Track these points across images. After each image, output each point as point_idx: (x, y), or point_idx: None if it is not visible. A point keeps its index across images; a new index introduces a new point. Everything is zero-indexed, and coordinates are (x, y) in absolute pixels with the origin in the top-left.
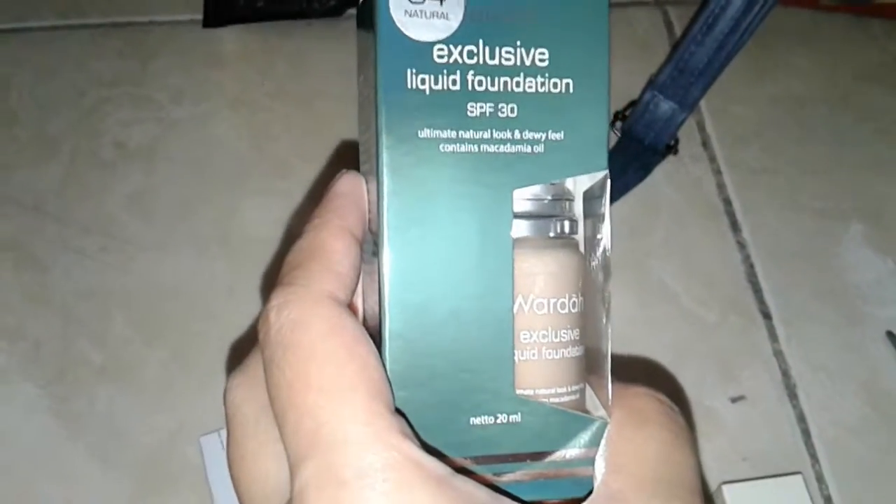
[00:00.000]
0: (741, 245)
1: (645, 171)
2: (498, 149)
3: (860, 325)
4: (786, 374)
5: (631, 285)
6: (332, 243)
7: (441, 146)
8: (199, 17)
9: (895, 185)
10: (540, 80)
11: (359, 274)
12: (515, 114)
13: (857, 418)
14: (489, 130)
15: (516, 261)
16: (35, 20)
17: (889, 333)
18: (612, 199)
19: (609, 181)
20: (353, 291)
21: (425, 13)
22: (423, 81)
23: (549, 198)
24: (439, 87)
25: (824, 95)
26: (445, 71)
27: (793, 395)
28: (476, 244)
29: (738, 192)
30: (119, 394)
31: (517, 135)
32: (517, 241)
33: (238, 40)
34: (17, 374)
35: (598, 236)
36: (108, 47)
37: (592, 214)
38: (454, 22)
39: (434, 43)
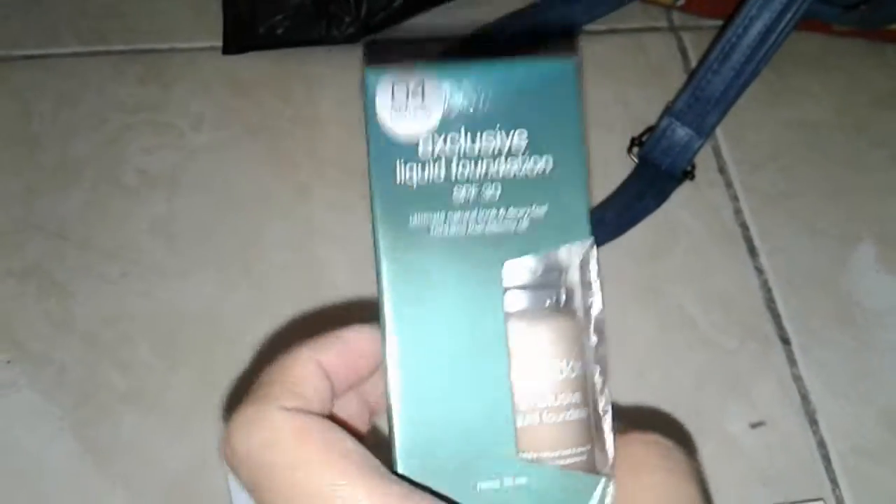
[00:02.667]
0: (759, 270)
1: (661, 196)
2: (485, 228)
3: (879, 349)
4: (805, 398)
5: (649, 311)
6: (296, 370)
7: (431, 230)
8: (219, 43)
9: None
10: (521, 160)
11: (327, 398)
12: (499, 194)
13: (877, 444)
14: (475, 211)
15: (513, 332)
16: (57, 47)
17: None
18: (630, 225)
19: (595, 248)
20: (325, 409)
21: (409, 109)
22: (410, 171)
23: (542, 270)
24: (426, 175)
25: (839, 121)
26: (431, 161)
27: (813, 421)
28: (470, 319)
29: (755, 217)
30: (143, 419)
31: (502, 213)
32: (515, 314)
33: (258, 67)
34: (42, 400)
35: (590, 301)
36: (129, 74)
37: (585, 281)
38: (437, 114)
39: (418, 136)
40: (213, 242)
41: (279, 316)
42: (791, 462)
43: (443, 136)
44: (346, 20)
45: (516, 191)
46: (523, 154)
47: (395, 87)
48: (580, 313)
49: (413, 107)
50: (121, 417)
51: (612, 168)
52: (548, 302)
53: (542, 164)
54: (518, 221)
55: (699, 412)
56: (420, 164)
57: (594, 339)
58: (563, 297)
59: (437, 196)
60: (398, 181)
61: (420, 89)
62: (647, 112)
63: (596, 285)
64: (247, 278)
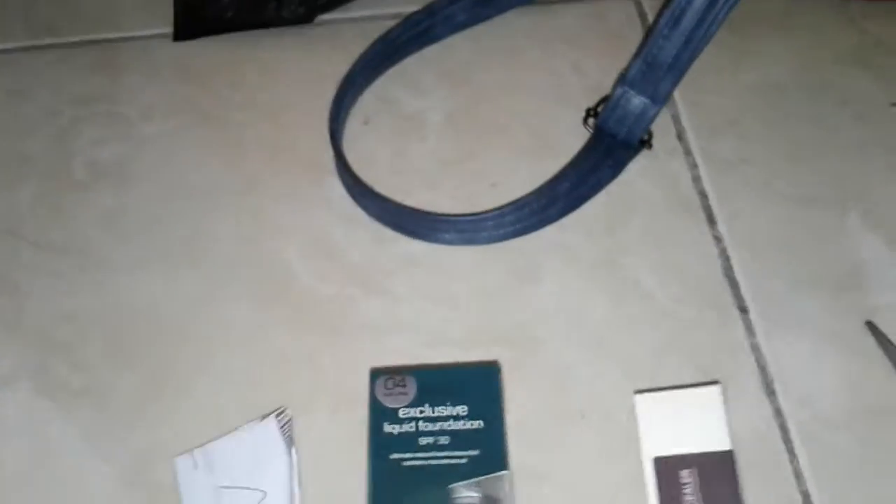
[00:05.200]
0: (717, 238)
1: (618, 167)
2: (439, 462)
3: (839, 315)
4: (763, 368)
5: (606, 284)
6: None
7: (403, 462)
8: (170, 30)
9: (876, 170)
10: (462, 422)
11: None
12: (448, 442)
13: (836, 411)
14: (433, 452)
15: None
16: (8, 42)
17: (868, 323)
18: (586, 198)
19: (508, 476)
20: None
21: (394, 391)
22: (393, 428)
23: (481, 492)
24: (403, 430)
25: (802, 81)
26: (406, 422)
27: (770, 391)
28: None
29: (714, 184)
30: (94, 416)
31: (449, 454)
32: None
33: (209, 53)
34: None
35: None
36: (79, 65)
37: (506, 500)
38: (411, 395)
39: (399, 408)
40: (162, 234)
41: (228, 308)
42: (747, 432)
43: (414, 408)
44: (295, 0)
45: (460, 441)
46: (465, 419)
47: (387, 381)
48: None
49: (397, 391)
50: (73, 414)
51: (568, 140)
52: None
53: (477, 424)
54: (460, 459)
55: (657, 384)
56: (399, 423)
57: None
58: None
59: (408, 442)
60: (385, 431)
61: (402, 381)
62: (607, 81)
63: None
64: (195, 271)
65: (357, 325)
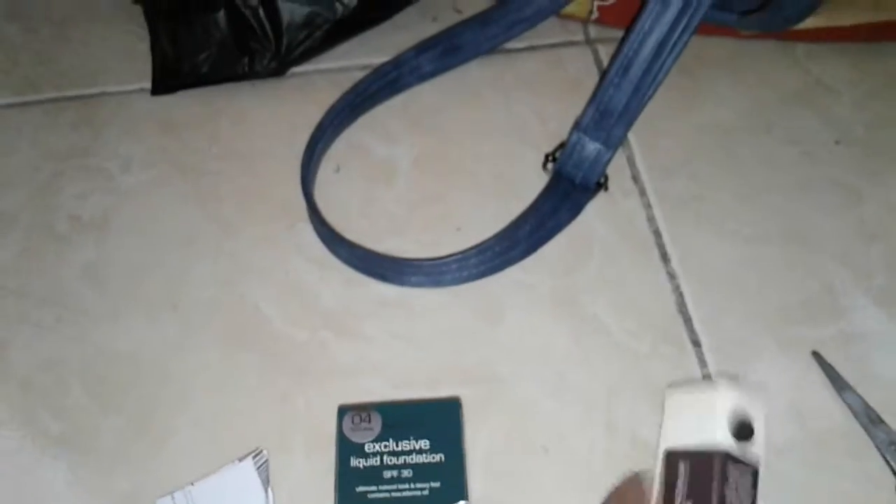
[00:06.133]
0: (671, 275)
1: (576, 209)
2: (402, 494)
3: (787, 347)
4: None
5: (565, 321)
6: None
7: (369, 495)
8: (149, 85)
9: (820, 206)
10: (425, 456)
11: None
12: (411, 475)
13: (785, 439)
14: (396, 485)
15: None
16: None
17: (814, 353)
18: (545, 240)
19: None
20: None
21: (361, 427)
22: (359, 462)
23: None
24: (368, 464)
25: (750, 121)
26: (371, 456)
27: None
28: None
29: (668, 222)
30: (77, 461)
31: (412, 486)
32: None
33: (187, 106)
34: None
35: None
36: (61, 121)
37: None
38: (376, 430)
39: (364, 443)
40: (142, 283)
41: (205, 353)
42: None
43: (379, 443)
44: (266, 55)
45: (422, 473)
46: (427, 452)
47: (353, 417)
48: None
49: (363, 427)
50: (56, 461)
51: (530, 183)
52: None
53: (438, 458)
54: (422, 491)
55: (614, 417)
56: (365, 457)
57: None
58: None
59: (373, 475)
60: (352, 466)
61: (368, 416)
62: (566, 125)
63: None
64: (173, 317)
65: (329, 367)
